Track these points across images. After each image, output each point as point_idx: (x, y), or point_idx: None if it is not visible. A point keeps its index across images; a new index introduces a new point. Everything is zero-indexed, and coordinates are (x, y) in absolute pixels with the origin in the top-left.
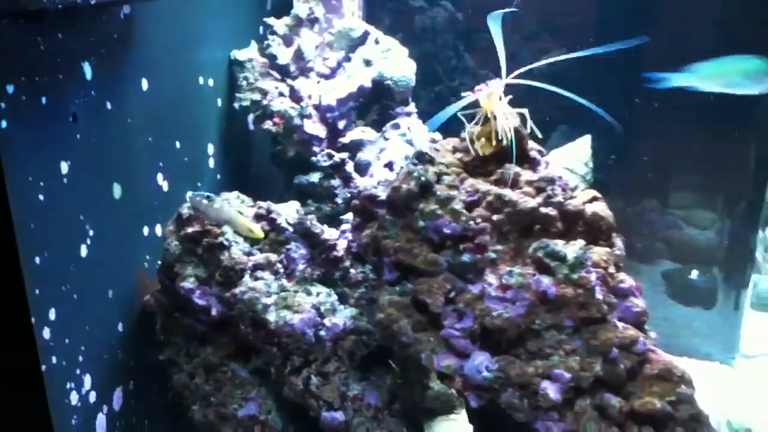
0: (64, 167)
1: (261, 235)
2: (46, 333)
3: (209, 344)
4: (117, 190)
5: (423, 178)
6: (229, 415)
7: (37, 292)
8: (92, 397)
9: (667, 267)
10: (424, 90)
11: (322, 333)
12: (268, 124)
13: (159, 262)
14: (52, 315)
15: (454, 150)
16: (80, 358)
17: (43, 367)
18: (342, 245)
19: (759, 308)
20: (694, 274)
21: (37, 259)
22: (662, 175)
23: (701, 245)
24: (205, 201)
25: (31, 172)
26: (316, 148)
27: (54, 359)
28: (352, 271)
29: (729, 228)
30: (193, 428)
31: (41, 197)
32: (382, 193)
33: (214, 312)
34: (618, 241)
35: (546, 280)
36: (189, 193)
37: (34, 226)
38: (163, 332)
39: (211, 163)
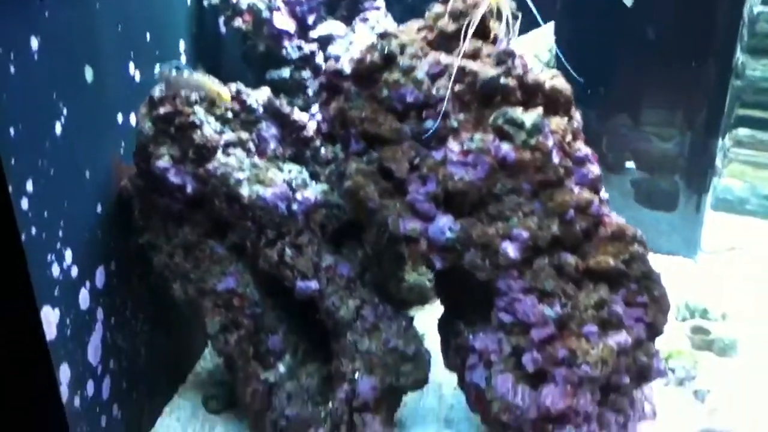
0: (34, 43)
1: (229, 98)
2: (24, 203)
3: (186, 224)
4: (89, 74)
5: (386, 50)
6: (209, 289)
7: (12, 162)
8: (74, 272)
9: (635, 176)
10: None
11: (294, 207)
12: (238, 22)
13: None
14: (29, 186)
15: (418, 30)
16: (60, 233)
17: (23, 236)
18: (312, 126)
19: (718, 209)
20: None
21: (11, 130)
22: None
23: (665, 155)
24: (174, 71)
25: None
26: (286, 43)
27: (33, 230)
28: (322, 150)
29: (690, 139)
30: (176, 309)
31: (12, 69)
32: (347, 68)
33: (189, 189)
34: (576, 114)
35: (505, 146)
36: (157, 66)
37: (6, 97)
38: (141, 217)
39: (183, 59)
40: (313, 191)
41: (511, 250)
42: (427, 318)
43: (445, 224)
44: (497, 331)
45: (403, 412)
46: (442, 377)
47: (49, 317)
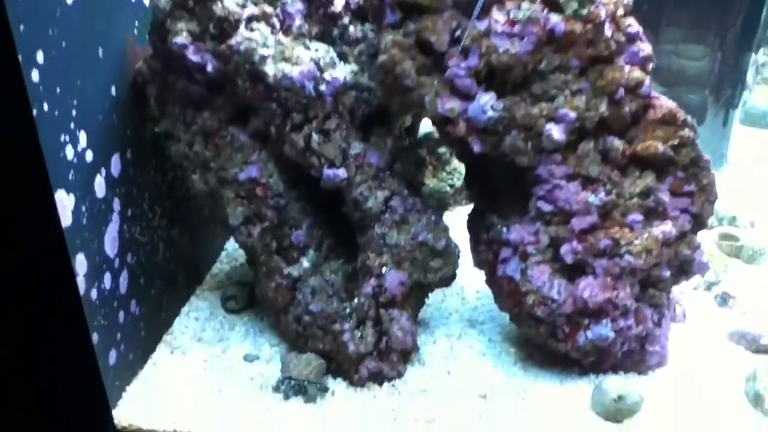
0: None
1: None
2: (35, 75)
3: (206, 109)
4: None
5: None
6: (230, 179)
7: (21, 29)
8: (89, 156)
9: (660, 90)
10: None
11: (322, 87)
12: None
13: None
14: (39, 57)
15: None
16: (73, 112)
17: (35, 111)
18: (340, 1)
19: (747, 124)
20: None
21: None
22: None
23: (693, 72)
24: None
25: None
26: None
27: (45, 106)
28: (351, 28)
29: (722, 54)
30: (194, 206)
31: None
32: None
33: (209, 68)
34: None
35: (554, 17)
36: None
37: None
38: (158, 103)
39: None
40: (342, 71)
41: (555, 132)
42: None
43: (486, 103)
44: (534, 221)
45: (425, 312)
46: (464, 280)
47: (64, 202)
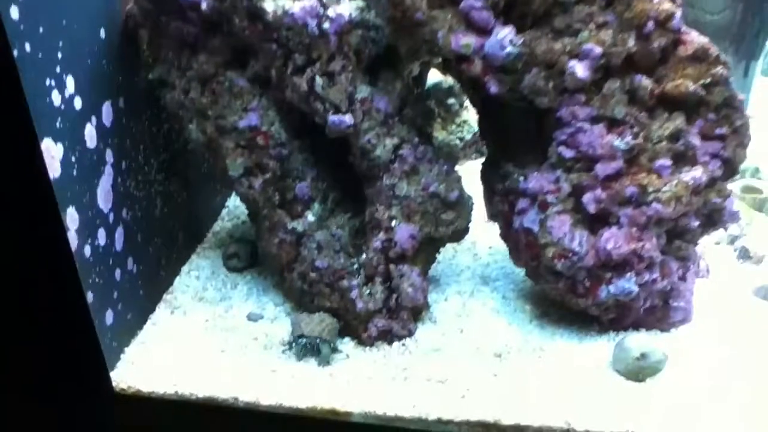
0: None
1: None
2: (14, 12)
3: (202, 52)
4: None
5: None
6: (229, 127)
7: None
8: (77, 103)
9: None
10: None
11: (326, 25)
12: None
13: None
14: None
15: None
16: (59, 55)
17: (15, 52)
18: None
19: None
20: None
21: None
22: None
23: (713, 24)
24: None
25: None
26: None
27: (27, 46)
28: None
29: (742, 7)
30: (192, 160)
31: None
32: None
33: (204, 6)
34: None
35: None
36: None
37: None
38: (151, 48)
39: None
40: (347, 7)
41: (579, 69)
42: None
43: (505, 37)
44: (555, 169)
45: (436, 269)
46: (476, 235)
47: (52, 151)
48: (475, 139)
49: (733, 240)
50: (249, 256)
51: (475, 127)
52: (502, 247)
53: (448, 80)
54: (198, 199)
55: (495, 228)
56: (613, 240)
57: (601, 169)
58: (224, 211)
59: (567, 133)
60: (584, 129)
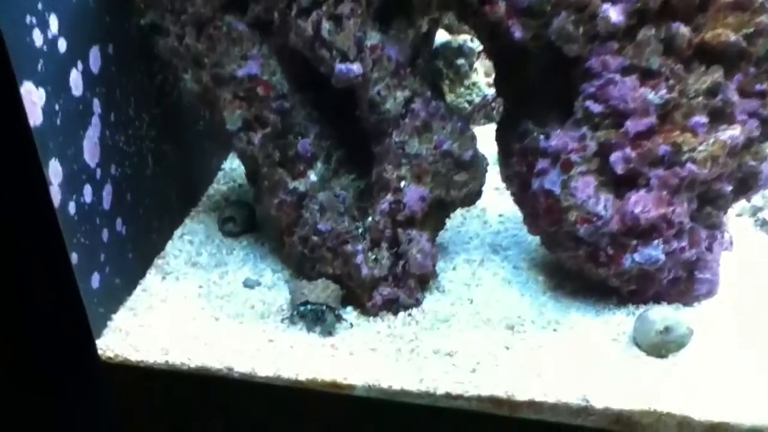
0: None
1: None
2: None
3: None
4: None
5: None
6: (227, 77)
7: None
8: (62, 45)
9: None
10: None
11: None
12: None
13: None
14: None
15: None
16: None
17: None
18: None
19: None
20: None
21: None
22: None
23: None
24: None
25: None
26: None
27: None
28: None
29: None
30: (187, 116)
31: None
32: None
33: None
34: None
35: None
36: None
37: None
38: None
39: None
40: None
41: (613, 13)
42: None
43: None
44: (580, 125)
45: (443, 237)
46: (485, 202)
47: (33, 96)
48: (484, 103)
49: (755, 212)
50: (246, 221)
51: (485, 90)
52: (512, 214)
53: (458, 40)
54: (192, 159)
55: (505, 195)
56: (642, 203)
57: (632, 125)
58: (220, 174)
59: (596, 85)
60: (615, 81)
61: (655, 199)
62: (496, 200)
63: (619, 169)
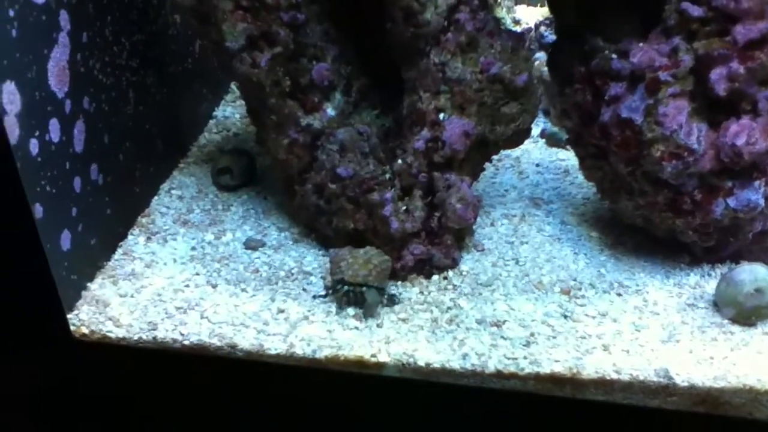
0: None
1: None
2: None
3: None
4: None
5: None
6: None
7: None
8: None
9: None
10: None
11: None
12: None
13: None
14: None
15: None
16: None
17: None
18: None
19: None
20: None
21: None
22: None
23: None
24: None
25: None
26: None
27: None
28: None
29: None
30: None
31: None
32: None
33: None
34: None
35: None
36: None
37: None
38: None
39: None
40: None
41: None
42: None
43: None
44: (670, 35)
45: (475, 188)
46: (517, 149)
47: None
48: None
49: None
50: (244, 172)
51: (512, 27)
52: (550, 163)
53: None
54: (180, 101)
55: (539, 143)
56: (746, 133)
57: (742, 31)
58: (211, 123)
59: None
60: None
61: (765, 128)
62: (530, 148)
63: (721, 89)
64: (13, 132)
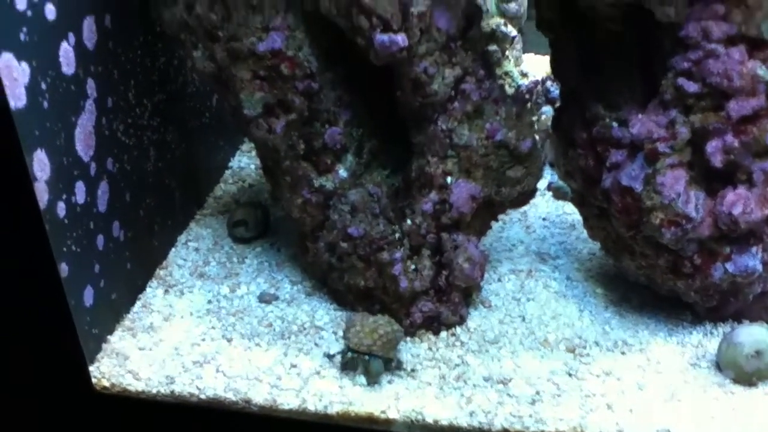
0: None
1: None
2: None
3: None
4: None
5: None
6: (245, 52)
7: None
8: (50, 12)
9: None
10: None
11: None
12: None
13: None
14: None
15: None
16: None
17: None
18: None
19: None
20: None
21: None
22: None
23: None
24: None
25: None
26: None
27: None
28: None
29: None
30: (193, 102)
31: None
32: None
33: None
34: None
35: None
36: None
37: None
38: None
39: None
40: None
41: None
42: None
43: None
44: (668, 108)
45: (483, 243)
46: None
47: (14, 72)
48: (517, 93)
49: None
50: (259, 224)
51: (519, 80)
52: (556, 218)
53: (490, 23)
54: (198, 154)
55: (546, 197)
56: (742, 203)
57: (736, 107)
58: (227, 173)
59: (692, 58)
60: (717, 53)
61: (759, 198)
62: (537, 201)
63: (717, 161)
64: (43, 197)
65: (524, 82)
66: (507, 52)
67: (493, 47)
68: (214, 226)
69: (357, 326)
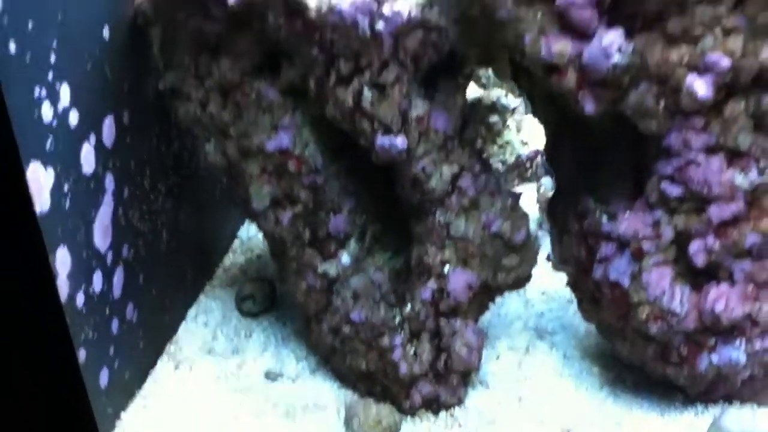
0: None
1: None
2: None
3: (225, 56)
4: None
5: None
6: (255, 149)
7: None
8: (73, 118)
9: None
10: None
11: (380, 25)
12: None
13: None
14: None
15: None
16: (52, 58)
17: None
18: None
19: None
20: None
21: None
22: None
23: None
24: None
25: None
26: None
27: (12, 46)
28: None
29: None
30: (201, 181)
31: None
32: None
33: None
34: None
35: None
36: None
37: None
38: (163, 50)
39: None
40: (406, 3)
41: (700, 86)
42: None
43: (612, 44)
44: (654, 209)
45: (482, 319)
46: None
47: (40, 179)
48: (518, 163)
49: None
50: (266, 299)
51: (519, 149)
52: (556, 293)
53: (491, 95)
54: (209, 227)
55: (546, 268)
56: (724, 300)
57: (716, 211)
58: (236, 242)
59: (675, 165)
60: (698, 161)
61: (740, 295)
62: (536, 272)
63: (700, 261)
64: (64, 291)
65: (525, 151)
66: (508, 122)
67: (494, 118)
68: (222, 297)
69: (361, 416)
